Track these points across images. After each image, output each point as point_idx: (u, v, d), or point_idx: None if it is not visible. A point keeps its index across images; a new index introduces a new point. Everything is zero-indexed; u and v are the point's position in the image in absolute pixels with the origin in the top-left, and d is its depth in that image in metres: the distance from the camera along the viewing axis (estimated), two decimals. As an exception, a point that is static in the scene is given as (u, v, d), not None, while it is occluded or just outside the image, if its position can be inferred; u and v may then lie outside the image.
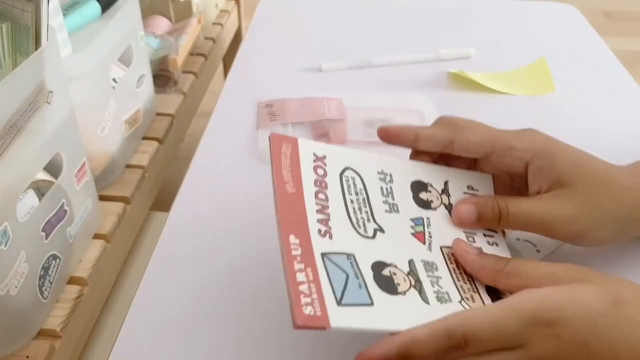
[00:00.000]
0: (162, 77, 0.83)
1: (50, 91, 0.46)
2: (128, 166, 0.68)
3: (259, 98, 0.70)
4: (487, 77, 0.75)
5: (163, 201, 0.70)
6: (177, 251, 0.49)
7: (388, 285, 0.34)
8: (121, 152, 0.65)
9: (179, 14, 0.92)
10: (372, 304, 0.33)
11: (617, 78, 0.77)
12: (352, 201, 0.37)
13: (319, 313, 0.30)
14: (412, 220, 0.39)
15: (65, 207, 0.50)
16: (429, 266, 0.37)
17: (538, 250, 0.50)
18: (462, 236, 0.41)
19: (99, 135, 0.60)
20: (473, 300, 0.36)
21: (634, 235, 0.45)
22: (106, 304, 0.60)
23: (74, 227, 0.52)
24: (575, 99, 0.73)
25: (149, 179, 0.69)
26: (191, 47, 0.90)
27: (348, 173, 0.39)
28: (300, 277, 0.31)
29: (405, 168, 0.42)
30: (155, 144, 0.72)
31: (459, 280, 0.37)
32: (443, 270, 0.37)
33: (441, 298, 0.35)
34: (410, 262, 0.36)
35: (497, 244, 0.43)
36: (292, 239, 0.33)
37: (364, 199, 0.38)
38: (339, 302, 0.32)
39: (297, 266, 0.32)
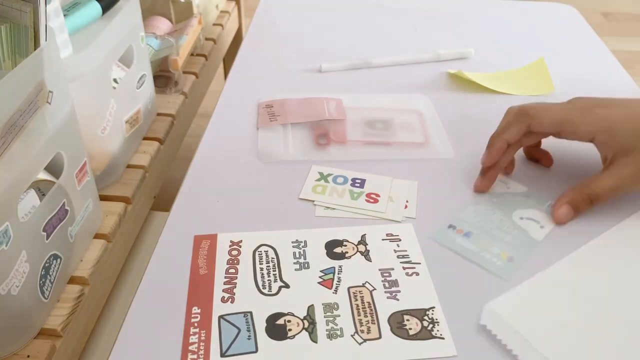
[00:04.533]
0: (163, 77, 0.83)
1: (50, 91, 0.46)
2: (129, 166, 0.68)
3: (259, 98, 0.71)
4: (486, 78, 0.75)
5: (163, 201, 0.70)
6: (177, 251, 0.49)
7: (279, 332, 0.42)
8: (122, 152, 0.65)
9: (179, 14, 0.93)
10: (256, 351, 0.41)
11: (616, 78, 0.77)
12: (261, 269, 0.47)
13: None
14: (321, 271, 0.47)
15: (66, 207, 0.51)
16: (330, 307, 0.44)
17: (542, 227, 0.52)
18: (377, 274, 0.47)
19: (100, 135, 0.60)
20: (369, 332, 0.43)
21: None
22: (107, 303, 0.60)
23: (75, 227, 0.53)
24: (575, 99, 0.73)
25: (150, 179, 0.69)
26: (192, 48, 0.90)
27: (262, 248, 0.49)
28: (193, 339, 0.41)
29: (319, 234, 0.51)
30: (156, 144, 0.72)
31: (359, 315, 0.44)
32: (344, 308, 0.44)
33: (332, 335, 0.42)
34: (310, 307, 0.44)
35: (417, 274, 0.47)
36: (195, 309, 0.44)
37: (274, 265, 0.48)
38: (223, 354, 0.40)
39: (192, 331, 0.42)
